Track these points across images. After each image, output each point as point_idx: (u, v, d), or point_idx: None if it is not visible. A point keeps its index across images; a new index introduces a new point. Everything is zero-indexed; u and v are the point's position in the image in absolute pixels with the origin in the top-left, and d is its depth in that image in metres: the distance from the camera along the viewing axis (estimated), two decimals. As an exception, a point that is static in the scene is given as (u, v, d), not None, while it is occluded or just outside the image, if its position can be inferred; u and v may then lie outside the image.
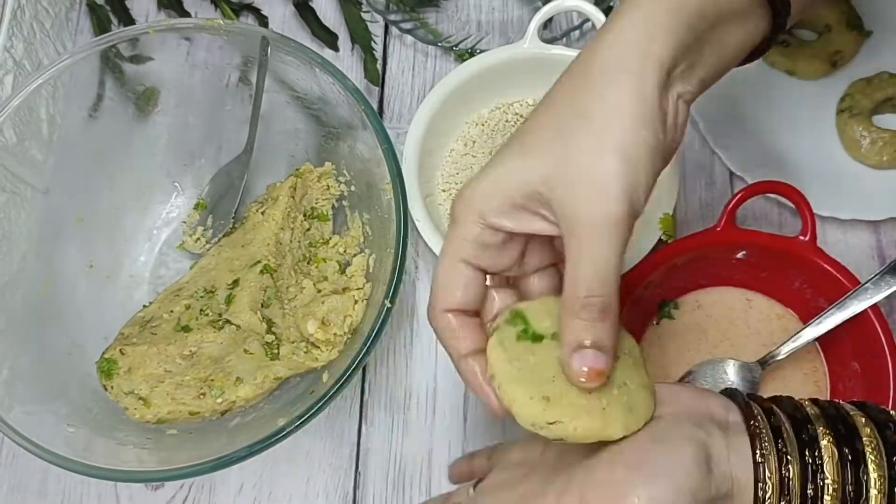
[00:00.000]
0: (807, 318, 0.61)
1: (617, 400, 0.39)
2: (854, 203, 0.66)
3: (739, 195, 0.59)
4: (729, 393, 0.41)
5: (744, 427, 0.38)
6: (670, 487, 0.35)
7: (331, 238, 0.65)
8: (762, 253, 0.60)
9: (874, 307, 0.56)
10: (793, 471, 0.36)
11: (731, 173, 0.69)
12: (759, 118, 0.71)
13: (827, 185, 0.67)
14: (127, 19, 0.75)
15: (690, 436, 0.37)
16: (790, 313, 0.63)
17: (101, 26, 0.75)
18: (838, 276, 0.58)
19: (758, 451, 0.36)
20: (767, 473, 0.36)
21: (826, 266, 0.58)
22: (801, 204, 0.59)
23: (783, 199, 0.61)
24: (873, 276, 0.57)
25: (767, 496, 0.36)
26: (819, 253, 0.58)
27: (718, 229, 0.59)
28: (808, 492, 0.35)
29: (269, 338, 0.59)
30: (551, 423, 0.38)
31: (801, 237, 0.58)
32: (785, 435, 0.37)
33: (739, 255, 0.61)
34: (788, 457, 0.36)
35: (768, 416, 0.38)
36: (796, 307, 0.62)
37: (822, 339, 0.59)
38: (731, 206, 0.59)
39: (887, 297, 0.57)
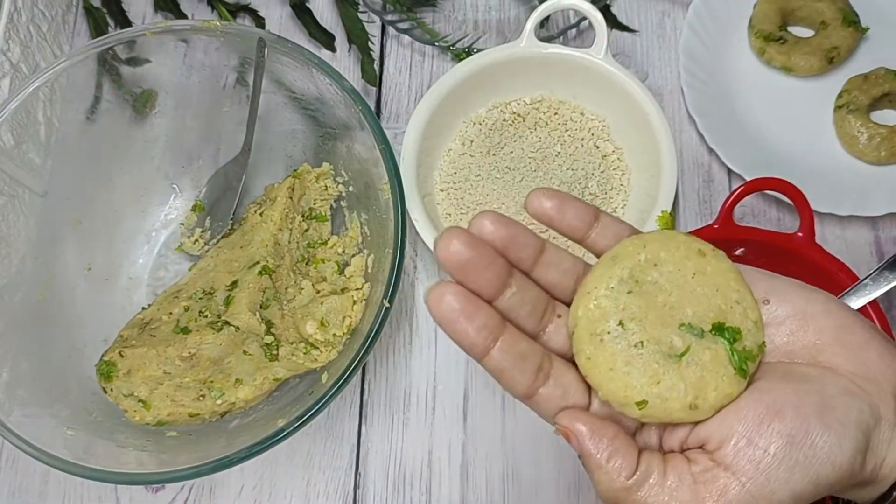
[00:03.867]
0: (806, 314, 0.61)
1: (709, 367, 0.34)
2: (852, 199, 0.66)
3: (737, 192, 0.59)
4: None
5: None
6: (814, 482, 0.31)
7: (329, 238, 0.65)
8: (760, 250, 0.60)
9: (873, 303, 0.56)
10: None
11: (729, 170, 0.69)
12: (757, 115, 0.71)
13: (825, 181, 0.67)
14: (124, 22, 0.75)
15: (859, 422, 0.32)
16: (789, 310, 0.63)
17: (97, 29, 0.75)
18: (837, 272, 0.58)
19: None
20: None
21: (824, 262, 0.58)
22: (798, 200, 0.59)
23: (781, 196, 0.61)
24: (872, 272, 0.57)
25: None
26: (817, 249, 0.58)
27: (716, 226, 0.59)
28: None
29: (269, 339, 0.59)
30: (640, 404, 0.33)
31: (800, 234, 0.59)
32: None
33: (738, 252, 0.61)
34: None
35: None
36: (795, 304, 0.62)
37: (821, 336, 0.59)
38: (728, 203, 0.59)
39: (886, 293, 0.57)
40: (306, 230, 0.65)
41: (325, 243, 0.65)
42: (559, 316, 0.36)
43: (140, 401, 0.58)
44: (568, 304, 0.36)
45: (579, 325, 0.35)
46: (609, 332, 0.34)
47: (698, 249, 0.35)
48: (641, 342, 0.34)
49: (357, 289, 0.61)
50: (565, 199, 0.36)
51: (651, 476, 0.32)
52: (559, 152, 0.67)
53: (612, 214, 0.37)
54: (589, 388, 0.35)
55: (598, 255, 0.37)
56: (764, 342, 0.34)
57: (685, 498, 0.32)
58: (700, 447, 0.33)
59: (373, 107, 0.73)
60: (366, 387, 0.64)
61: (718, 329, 0.34)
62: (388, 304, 0.53)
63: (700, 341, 0.34)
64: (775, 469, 0.31)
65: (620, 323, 0.34)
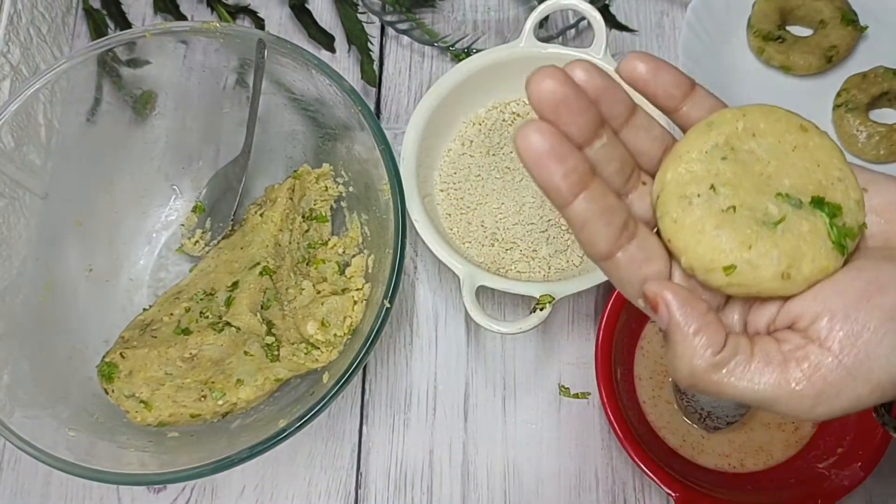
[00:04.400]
0: (805, 313, 0.61)
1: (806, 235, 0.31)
2: (851, 198, 0.66)
3: (737, 191, 0.59)
4: None
5: None
6: (878, 388, 0.29)
7: (329, 239, 0.66)
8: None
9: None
10: None
11: (729, 170, 0.69)
12: (756, 114, 0.71)
13: (824, 180, 0.67)
14: (123, 23, 0.76)
15: None
16: (789, 308, 0.63)
17: (97, 30, 0.75)
18: (836, 270, 0.58)
19: None
20: None
21: (824, 261, 0.58)
22: (798, 199, 0.59)
23: (780, 195, 0.61)
24: (871, 271, 0.57)
25: None
26: (817, 248, 0.58)
27: (716, 225, 0.59)
28: None
29: (269, 339, 0.59)
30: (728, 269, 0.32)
31: (799, 232, 0.59)
32: None
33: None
34: None
35: None
36: (795, 302, 0.62)
37: (821, 334, 0.59)
38: (728, 202, 0.59)
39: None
40: (307, 231, 0.65)
41: (326, 244, 0.65)
42: (644, 183, 0.34)
43: (141, 402, 0.58)
44: (653, 176, 0.34)
45: (666, 188, 0.33)
46: (699, 195, 0.32)
47: (800, 124, 0.33)
48: (734, 207, 0.32)
49: (357, 289, 0.62)
50: (661, 64, 0.34)
51: (738, 355, 0.30)
52: (559, 152, 0.68)
53: (706, 88, 0.35)
54: (671, 262, 0.33)
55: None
56: (864, 223, 0.32)
57: (771, 379, 0.29)
58: (790, 327, 0.31)
59: (372, 107, 0.73)
60: (367, 387, 0.64)
61: (818, 203, 0.32)
62: (388, 305, 0.54)
63: (797, 212, 0.32)
64: (876, 346, 0.28)
65: (712, 187, 0.32)
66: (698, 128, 0.34)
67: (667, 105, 0.34)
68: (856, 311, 0.29)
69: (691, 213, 0.32)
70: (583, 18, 0.72)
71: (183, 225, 0.68)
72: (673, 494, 0.54)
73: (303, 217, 0.65)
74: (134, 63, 0.63)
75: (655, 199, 0.33)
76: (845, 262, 0.32)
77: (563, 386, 0.64)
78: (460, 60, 0.68)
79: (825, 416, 0.29)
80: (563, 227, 0.65)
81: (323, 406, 0.51)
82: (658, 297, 0.31)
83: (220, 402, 0.57)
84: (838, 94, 0.70)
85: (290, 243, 0.64)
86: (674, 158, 0.33)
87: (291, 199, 0.64)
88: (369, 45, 0.74)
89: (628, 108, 0.33)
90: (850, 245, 0.31)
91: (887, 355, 0.28)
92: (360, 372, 0.62)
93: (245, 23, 0.76)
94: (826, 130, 0.69)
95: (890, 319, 0.29)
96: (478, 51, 0.70)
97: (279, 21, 0.77)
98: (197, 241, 0.66)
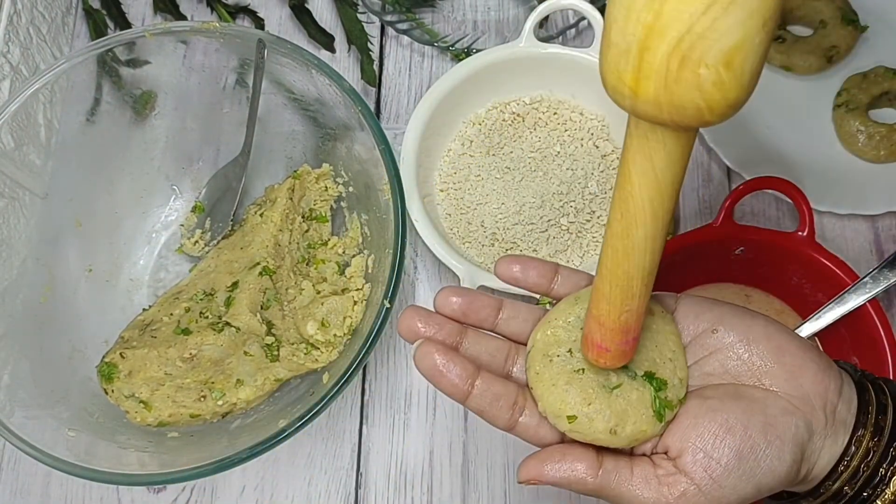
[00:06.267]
0: (805, 313, 0.61)
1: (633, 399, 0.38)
2: (851, 198, 0.66)
3: (737, 191, 0.59)
4: (848, 371, 0.41)
5: (850, 417, 0.38)
6: (756, 487, 0.37)
7: (329, 239, 0.65)
8: (760, 248, 0.60)
9: (873, 301, 0.57)
10: (872, 461, 0.38)
11: (729, 169, 0.69)
12: (756, 114, 0.71)
13: (824, 180, 0.67)
14: (123, 23, 0.76)
15: (796, 437, 0.37)
16: (789, 309, 0.63)
17: (97, 30, 0.75)
18: (836, 270, 0.58)
19: (853, 439, 0.38)
20: (852, 462, 0.38)
21: (824, 261, 0.58)
22: (798, 199, 0.59)
23: (781, 195, 0.61)
24: (871, 271, 0.57)
25: (841, 477, 0.38)
26: (817, 248, 0.58)
27: (716, 225, 0.59)
28: (880, 471, 0.38)
29: (269, 339, 0.59)
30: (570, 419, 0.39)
31: (799, 232, 0.59)
32: (883, 425, 0.38)
33: (738, 251, 0.61)
34: (874, 448, 0.38)
35: (878, 407, 0.38)
36: (795, 302, 0.62)
37: (822, 334, 0.60)
38: (728, 202, 0.59)
39: (885, 291, 0.57)
40: (306, 231, 0.65)
41: (326, 244, 0.65)
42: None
43: (141, 402, 0.58)
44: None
45: (535, 346, 0.40)
46: (559, 356, 0.39)
47: (649, 308, 0.39)
48: (583, 369, 0.39)
49: (357, 289, 0.61)
50: (527, 262, 0.42)
51: (619, 472, 0.37)
52: (559, 152, 0.68)
53: (569, 267, 0.43)
54: None
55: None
56: (684, 398, 0.39)
57: (650, 495, 0.37)
58: (664, 453, 0.38)
59: (372, 107, 0.73)
60: (367, 387, 0.64)
61: (649, 377, 0.39)
62: (388, 305, 0.54)
63: (631, 382, 0.38)
64: (726, 478, 0.36)
65: (569, 350, 0.39)
66: (568, 300, 0.41)
67: (539, 290, 0.43)
68: (712, 450, 0.37)
69: (550, 368, 0.39)
70: (583, 18, 0.72)
71: (183, 225, 0.68)
72: (673, 494, 0.54)
73: (303, 217, 0.65)
74: (134, 63, 0.63)
75: (527, 354, 0.40)
76: (665, 427, 0.38)
77: (563, 386, 0.64)
78: (460, 60, 0.68)
79: None
80: (563, 228, 0.65)
81: (323, 406, 0.51)
82: (531, 481, 0.39)
83: (220, 403, 0.57)
84: (838, 94, 0.70)
85: (289, 243, 0.64)
86: (545, 323, 0.40)
87: (291, 199, 0.64)
88: (369, 45, 0.74)
89: (494, 308, 0.41)
90: (667, 415, 0.38)
91: (734, 485, 0.36)
92: (360, 372, 0.62)
93: (245, 23, 0.76)
94: (827, 130, 0.70)
95: (737, 458, 0.36)
96: (478, 51, 0.70)
97: (279, 21, 0.77)
98: (197, 242, 0.66)
